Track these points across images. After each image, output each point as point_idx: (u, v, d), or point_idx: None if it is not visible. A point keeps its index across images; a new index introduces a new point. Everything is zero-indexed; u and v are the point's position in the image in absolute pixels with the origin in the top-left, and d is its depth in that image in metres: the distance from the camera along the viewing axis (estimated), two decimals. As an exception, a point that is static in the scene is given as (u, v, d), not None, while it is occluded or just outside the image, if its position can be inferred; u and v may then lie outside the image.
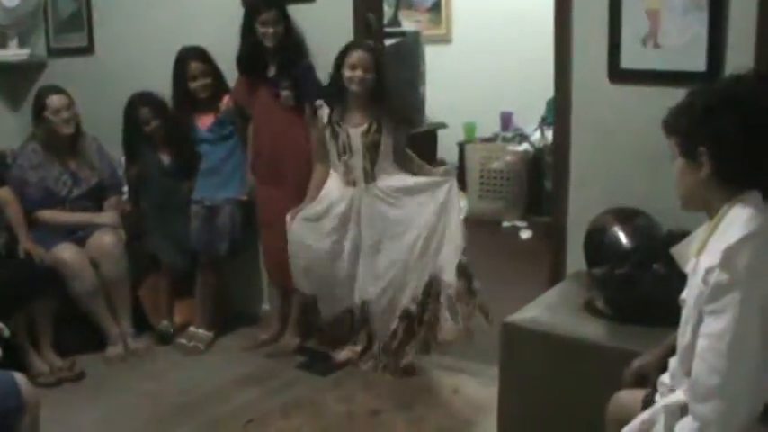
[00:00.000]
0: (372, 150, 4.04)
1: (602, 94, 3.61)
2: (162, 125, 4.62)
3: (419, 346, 4.13)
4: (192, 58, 4.54)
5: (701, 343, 1.91)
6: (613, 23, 3.51)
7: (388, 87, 4.13)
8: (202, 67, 4.55)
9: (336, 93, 4.06)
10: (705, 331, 1.91)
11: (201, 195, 4.58)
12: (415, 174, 4.12)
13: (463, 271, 3.96)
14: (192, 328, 4.69)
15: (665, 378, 2.17)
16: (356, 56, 3.98)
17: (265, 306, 4.84)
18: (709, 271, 1.89)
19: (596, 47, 3.57)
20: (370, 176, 4.06)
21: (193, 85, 4.54)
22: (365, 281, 4.16)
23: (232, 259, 4.61)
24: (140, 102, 4.62)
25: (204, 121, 4.61)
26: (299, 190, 4.27)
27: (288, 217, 4.16)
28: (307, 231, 4.15)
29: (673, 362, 2.13)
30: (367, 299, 4.17)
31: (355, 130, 4.05)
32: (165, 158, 4.67)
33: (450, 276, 3.97)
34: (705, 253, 1.96)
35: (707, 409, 1.89)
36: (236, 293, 4.83)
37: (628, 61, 3.51)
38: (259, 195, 4.49)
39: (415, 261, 4.04)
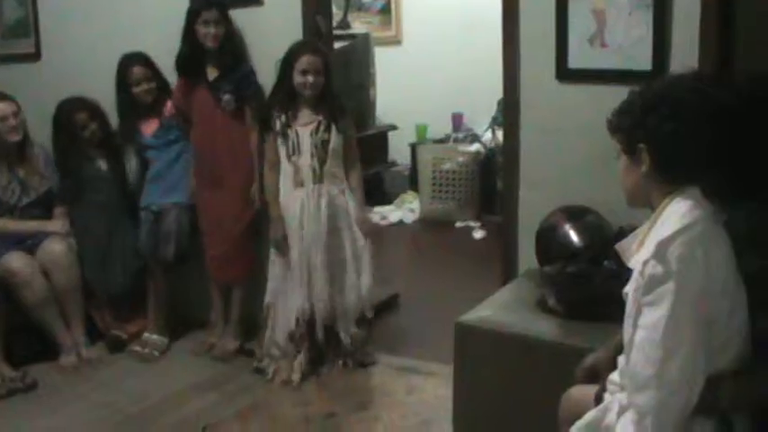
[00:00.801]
0: (321, 150, 4.02)
1: (550, 94, 3.65)
2: (99, 128, 4.58)
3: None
4: (134, 63, 4.51)
5: (639, 334, 1.95)
6: (560, 24, 3.55)
7: (336, 86, 4.14)
8: (145, 72, 4.52)
9: (287, 98, 4.04)
10: (642, 322, 1.94)
11: (148, 202, 4.54)
12: (349, 182, 4.15)
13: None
14: (145, 335, 4.64)
15: (613, 376, 2.20)
16: (306, 60, 3.95)
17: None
18: (645, 264, 1.92)
19: (544, 47, 3.61)
20: (317, 177, 4.04)
21: (137, 89, 4.50)
22: (317, 283, 4.10)
23: (182, 263, 4.56)
24: (74, 107, 4.56)
25: (149, 127, 4.57)
26: (240, 194, 4.31)
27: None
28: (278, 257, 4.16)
29: (621, 360, 2.16)
30: (318, 301, 4.11)
31: (304, 129, 4.03)
32: (103, 164, 4.63)
33: (348, 328, 4.20)
34: (643, 247, 2.00)
35: (643, 398, 1.92)
36: (189, 297, 4.79)
37: (575, 61, 3.55)
38: (200, 199, 4.46)
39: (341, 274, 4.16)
